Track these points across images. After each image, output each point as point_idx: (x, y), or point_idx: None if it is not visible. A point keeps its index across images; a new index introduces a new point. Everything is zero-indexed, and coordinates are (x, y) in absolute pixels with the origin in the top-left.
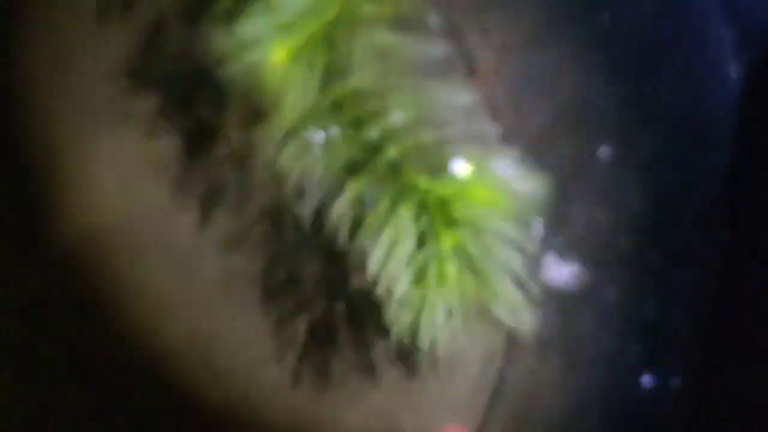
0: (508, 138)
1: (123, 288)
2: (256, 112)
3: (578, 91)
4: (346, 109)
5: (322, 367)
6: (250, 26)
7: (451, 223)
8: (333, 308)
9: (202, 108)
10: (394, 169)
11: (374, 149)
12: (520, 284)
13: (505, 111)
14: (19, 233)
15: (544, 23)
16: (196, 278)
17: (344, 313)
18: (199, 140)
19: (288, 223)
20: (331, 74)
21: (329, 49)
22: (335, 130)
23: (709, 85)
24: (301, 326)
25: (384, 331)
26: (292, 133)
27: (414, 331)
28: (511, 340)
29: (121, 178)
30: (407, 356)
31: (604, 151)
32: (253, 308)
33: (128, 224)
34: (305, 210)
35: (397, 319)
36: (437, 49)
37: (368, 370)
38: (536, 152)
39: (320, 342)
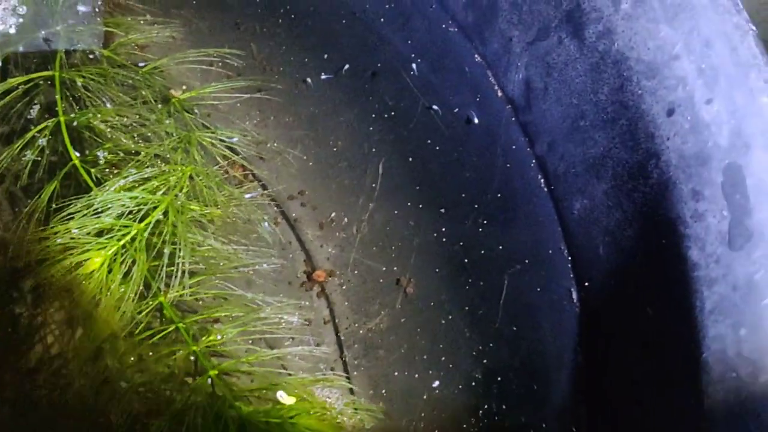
0: (346, 341)
1: None
2: (74, 318)
3: (414, 303)
4: (165, 322)
5: None
6: (70, 228)
7: None
8: None
9: (20, 306)
10: (214, 397)
11: (195, 371)
12: None
13: (342, 313)
14: None
15: (386, 230)
16: None
17: None
18: (12, 342)
19: None
20: (151, 284)
21: (149, 256)
22: (154, 350)
23: (547, 311)
24: None
25: None
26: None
27: None
28: None
29: None
30: None
31: (435, 379)
32: None
33: None
34: None
35: None
36: (269, 259)
37: None
38: (371, 359)
39: None
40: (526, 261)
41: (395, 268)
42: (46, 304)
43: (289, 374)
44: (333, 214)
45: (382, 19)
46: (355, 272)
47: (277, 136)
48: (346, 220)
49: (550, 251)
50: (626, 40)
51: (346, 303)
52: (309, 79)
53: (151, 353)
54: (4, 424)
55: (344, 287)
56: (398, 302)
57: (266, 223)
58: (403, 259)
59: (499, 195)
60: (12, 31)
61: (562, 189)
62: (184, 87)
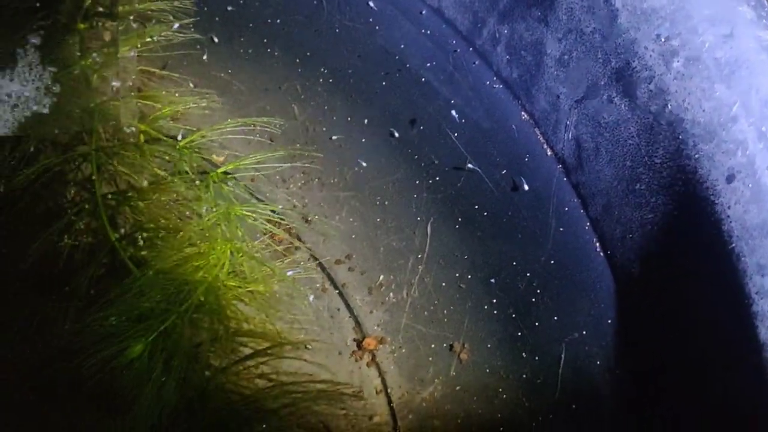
0: (399, 412)
1: None
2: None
3: (469, 370)
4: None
5: None
6: (109, 314)
7: None
8: None
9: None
10: None
11: None
12: None
13: (395, 381)
14: None
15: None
16: None
17: None
18: None
19: None
20: (190, 372)
21: (190, 342)
22: None
23: (608, 385)
24: None
25: None
26: None
27: None
28: None
29: None
30: None
31: None
32: None
33: None
34: None
35: None
36: (317, 335)
37: None
38: (427, 430)
39: None
40: (584, 332)
41: (448, 333)
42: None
43: None
44: (381, 278)
45: (423, 78)
46: (407, 338)
47: (322, 198)
48: (395, 283)
49: (609, 321)
50: (680, 100)
51: (398, 371)
52: (353, 139)
53: None
54: None
55: (395, 354)
56: (452, 369)
57: (311, 297)
58: (455, 323)
59: (552, 261)
60: (45, 111)
61: (620, 255)
62: (226, 152)
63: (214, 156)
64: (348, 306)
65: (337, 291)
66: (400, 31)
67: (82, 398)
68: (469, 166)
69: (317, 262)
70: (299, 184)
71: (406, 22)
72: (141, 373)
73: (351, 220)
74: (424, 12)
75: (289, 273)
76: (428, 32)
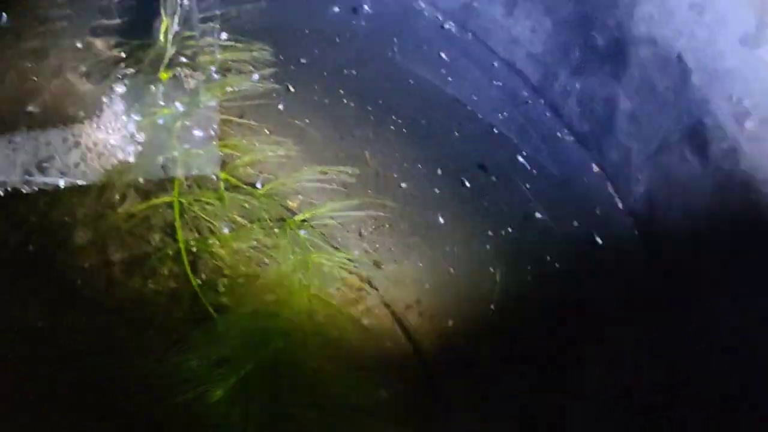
0: None
1: None
2: None
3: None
4: None
5: None
6: (190, 358)
7: None
8: None
9: None
10: None
11: None
12: None
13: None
14: None
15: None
16: None
17: None
18: None
19: None
20: (272, 416)
21: (269, 388)
22: None
23: None
24: None
25: None
26: None
27: None
28: None
29: None
30: None
31: None
32: None
33: None
34: None
35: None
36: (392, 385)
37: None
38: None
39: None
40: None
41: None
42: None
43: None
44: (451, 323)
45: (494, 129)
46: (479, 385)
47: (393, 244)
48: (465, 329)
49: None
50: (753, 160)
51: (472, 417)
52: (424, 187)
53: None
54: None
55: (467, 399)
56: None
57: (387, 342)
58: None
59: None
60: (131, 159)
61: (693, 309)
62: (300, 198)
63: (289, 202)
64: (418, 351)
65: (407, 336)
66: (472, 82)
67: None
68: (539, 216)
69: (389, 308)
70: (370, 229)
71: (477, 73)
72: (219, 419)
73: (421, 265)
74: (495, 64)
75: (365, 322)
76: (500, 84)
